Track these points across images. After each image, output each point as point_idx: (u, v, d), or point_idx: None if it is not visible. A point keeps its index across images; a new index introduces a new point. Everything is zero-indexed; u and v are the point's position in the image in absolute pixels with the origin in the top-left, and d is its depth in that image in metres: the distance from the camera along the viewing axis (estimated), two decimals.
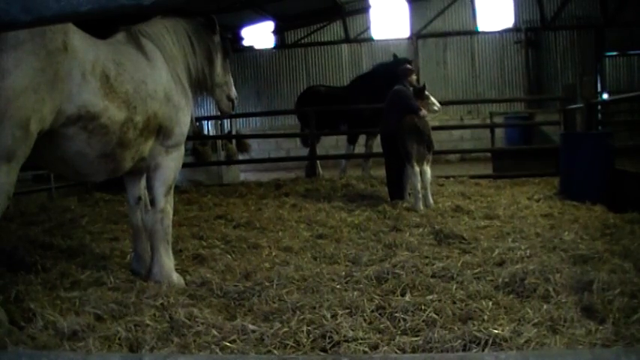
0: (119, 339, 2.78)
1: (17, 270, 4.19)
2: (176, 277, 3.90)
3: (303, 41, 18.49)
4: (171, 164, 3.96)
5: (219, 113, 5.31)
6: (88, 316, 3.11)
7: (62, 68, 3.01)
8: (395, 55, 10.45)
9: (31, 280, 3.80)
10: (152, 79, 3.70)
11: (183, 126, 3.98)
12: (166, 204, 3.97)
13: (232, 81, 4.59)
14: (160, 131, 3.81)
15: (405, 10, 18.54)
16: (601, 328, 2.71)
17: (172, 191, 4.05)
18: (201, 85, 4.27)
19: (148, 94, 3.61)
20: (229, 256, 4.53)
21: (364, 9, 18.41)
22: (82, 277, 3.92)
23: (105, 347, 2.72)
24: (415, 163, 6.63)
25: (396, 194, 7.22)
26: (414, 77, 7.45)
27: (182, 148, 4.09)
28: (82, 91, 3.14)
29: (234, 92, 4.59)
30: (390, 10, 18.55)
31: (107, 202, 8.38)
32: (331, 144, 15.51)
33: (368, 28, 18.61)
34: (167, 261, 3.94)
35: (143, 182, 4.21)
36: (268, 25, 18.15)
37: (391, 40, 18.53)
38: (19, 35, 2.77)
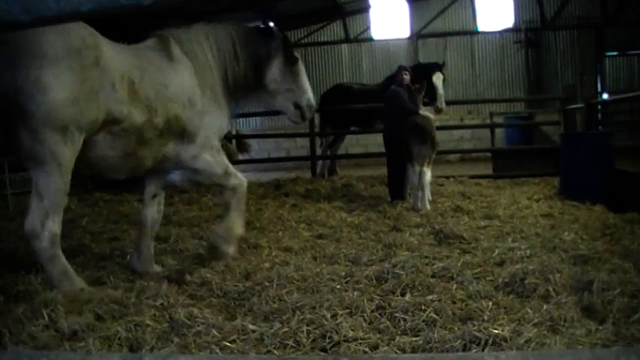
0: (119, 339, 2.78)
1: (17, 270, 4.19)
2: (232, 247, 4.19)
3: (303, 41, 18.49)
4: (206, 162, 4.08)
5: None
6: (88, 316, 3.11)
7: (96, 81, 3.28)
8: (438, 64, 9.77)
9: (31, 280, 3.80)
10: (174, 83, 3.82)
11: (210, 130, 4.06)
12: (233, 182, 4.16)
13: (305, 88, 4.46)
14: (184, 134, 3.93)
15: (405, 10, 18.55)
16: (601, 328, 2.71)
17: (233, 171, 4.20)
18: (242, 91, 4.29)
19: (168, 98, 3.75)
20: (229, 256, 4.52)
21: (364, 9, 18.40)
22: (82, 277, 3.92)
23: (105, 347, 2.71)
24: (416, 164, 6.62)
25: (396, 194, 7.22)
26: (405, 77, 7.37)
27: (216, 144, 4.14)
28: (112, 99, 3.39)
29: (305, 99, 4.47)
30: (390, 10, 18.55)
31: (107, 202, 8.39)
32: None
33: (368, 28, 18.61)
34: (234, 225, 4.21)
35: (161, 180, 4.32)
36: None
37: (391, 40, 18.54)
38: (58, 53, 3.10)
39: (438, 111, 8.98)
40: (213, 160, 4.11)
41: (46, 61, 3.07)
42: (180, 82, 3.87)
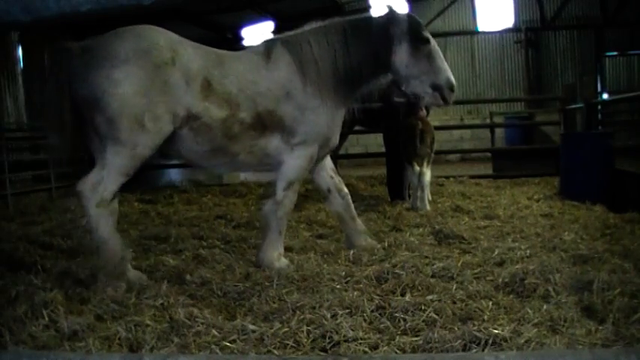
0: (119, 339, 2.78)
1: (17, 270, 4.19)
2: (279, 265, 4.06)
3: None
4: (295, 162, 4.17)
5: None
6: (88, 316, 3.11)
7: (170, 78, 3.67)
8: None
9: (31, 280, 3.80)
10: (267, 79, 4.01)
11: (311, 126, 4.12)
12: (284, 198, 4.21)
13: (441, 67, 4.22)
14: (283, 129, 4.06)
15: (404, 10, 18.52)
16: (601, 328, 2.71)
17: (295, 188, 4.27)
18: (361, 81, 4.29)
19: (257, 93, 3.96)
20: (229, 256, 4.52)
21: (364, 9, 18.38)
22: (82, 277, 3.92)
23: (105, 347, 2.71)
24: (415, 164, 6.62)
25: (396, 195, 7.22)
26: None
27: (309, 148, 4.19)
28: (187, 95, 3.73)
29: (443, 79, 4.20)
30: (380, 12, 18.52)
31: None
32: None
33: None
34: (272, 250, 4.15)
35: (323, 174, 4.61)
36: (268, 25, 18.15)
37: None
38: (128, 54, 3.59)
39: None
40: (299, 162, 4.18)
41: (118, 61, 3.57)
42: (275, 78, 4.02)
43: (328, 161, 4.74)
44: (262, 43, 4.27)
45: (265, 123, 4.02)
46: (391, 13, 4.27)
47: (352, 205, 4.70)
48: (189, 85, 3.74)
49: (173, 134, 3.81)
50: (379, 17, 4.34)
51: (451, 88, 4.24)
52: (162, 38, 3.77)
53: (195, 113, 3.78)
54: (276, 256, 4.15)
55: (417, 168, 6.60)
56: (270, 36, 4.28)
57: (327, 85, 4.14)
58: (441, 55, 4.30)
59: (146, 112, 3.60)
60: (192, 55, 3.84)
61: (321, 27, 4.32)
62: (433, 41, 4.28)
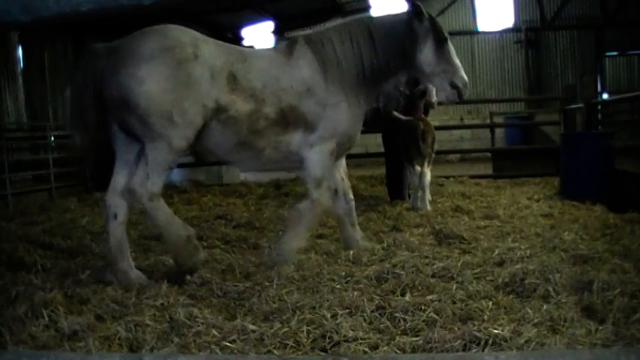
0: (119, 339, 2.78)
1: (17, 270, 4.19)
2: (290, 258, 4.10)
3: None
4: (315, 157, 4.20)
5: None
6: (88, 315, 3.11)
7: (194, 72, 3.76)
8: None
9: (31, 280, 3.80)
10: (289, 76, 4.08)
11: (331, 122, 4.17)
12: (320, 197, 4.24)
13: (458, 66, 4.34)
14: (305, 125, 4.13)
15: (404, 10, 18.53)
16: (601, 328, 2.71)
17: (326, 185, 4.27)
18: (387, 78, 4.35)
19: (280, 89, 4.03)
20: (229, 256, 4.52)
21: (364, 9, 18.39)
22: (82, 277, 3.92)
23: (105, 347, 2.72)
24: (416, 164, 6.62)
25: (395, 194, 7.21)
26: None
27: (328, 144, 4.21)
28: (214, 87, 3.83)
29: (459, 78, 4.33)
30: (390, 10, 18.53)
31: None
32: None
33: None
34: (293, 243, 4.20)
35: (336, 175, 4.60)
36: (268, 25, 18.15)
37: None
38: (153, 52, 3.68)
39: (431, 105, 8.91)
40: (319, 158, 4.20)
41: (142, 60, 3.66)
42: (297, 75, 4.09)
43: (343, 163, 4.78)
44: (284, 41, 4.35)
45: (288, 119, 4.08)
46: (417, 8, 4.26)
47: (354, 212, 4.76)
48: (215, 78, 3.83)
49: (202, 128, 3.89)
50: (403, 14, 4.36)
51: (466, 86, 4.37)
52: (185, 36, 3.87)
53: (224, 105, 3.87)
54: (295, 247, 4.21)
55: (418, 168, 6.60)
56: (293, 35, 4.41)
57: (350, 83, 4.18)
58: (455, 54, 4.39)
59: (174, 107, 3.70)
60: (215, 50, 3.93)
61: (344, 25, 4.35)
62: (449, 41, 4.39)
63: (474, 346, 2.56)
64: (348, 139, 4.39)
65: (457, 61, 4.36)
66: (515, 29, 18.39)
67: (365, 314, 3.02)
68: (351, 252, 4.34)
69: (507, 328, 2.69)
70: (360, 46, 4.21)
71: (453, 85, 4.35)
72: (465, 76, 4.37)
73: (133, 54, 3.69)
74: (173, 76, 3.71)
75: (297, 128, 4.14)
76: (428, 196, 6.69)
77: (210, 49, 3.91)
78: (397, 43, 4.26)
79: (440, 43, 4.28)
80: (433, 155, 6.83)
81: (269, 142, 4.10)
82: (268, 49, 4.39)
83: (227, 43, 4.16)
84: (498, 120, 13.46)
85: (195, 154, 4.48)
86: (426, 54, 4.26)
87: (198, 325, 2.90)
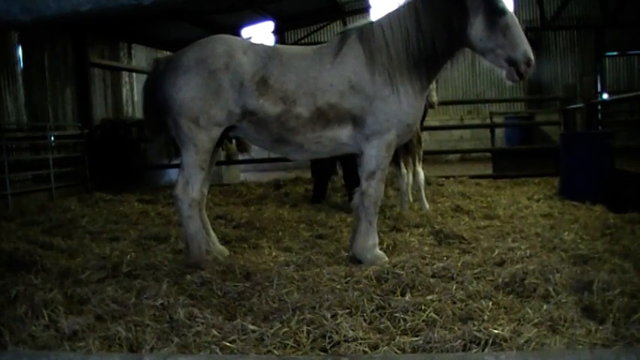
0: (119, 339, 2.78)
1: (17, 270, 4.19)
2: (373, 256, 4.14)
3: (303, 41, 18.47)
4: (371, 151, 4.18)
5: None
6: (88, 315, 3.11)
7: (224, 81, 4.07)
8: None
9: (31, 280, 3.80)
10: (330, 74, 4.10)
11: (381, 115, 4.10)
12: (368, 188, 4.21)
13: (517, 41, 3.92)
14: (353, 120, 4.15)
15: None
16: (601, 328, 2.71)
17: (378, 176, 4.22)
18: (435, 60, 4.14)
19: (317, 89, 4.09)
20: (229, 256, 4.52)
21: (364, 9, 18.40)
22: (82, 277, 3.92)
23: (105, 347, 2.72)
24: (402, 164, 6.55)
25: (318, 197, 7.68)
26: None
27: (386, 137, 4.15)
28: (242, 95, 4.09)
29: (520, 53, 3.92)
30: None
31: (107, 202, 8.38)
32: None
33: None
34: (363, 240, 4.22)
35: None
36: (268, 25, 18.15)
37: None
38: (190, 63, 4.09)
39: (431, 106, 8.91)
40: (375, 152, 4.18)
41: (182, 70, 4.10)
42: (340, 72, 4.09)
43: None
44: (338, 35, 4.35)
45: (328, 116, 4.12)
46: None
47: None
48: (244, 85, 4.07)
49: (240, 125, 4.20)
50: None
51: (528, 63, 3.96)
52: (221, 47, 4.13)
53: (251, 110, 4.10)
54: (370, 245, 4.21)
55: (404, 171, 6.53)
56: (349, 27, 4.38)
57: (401, 70, 4.08)
58: (520, 28, 4.01)
59: (201, 113, 4.06)
60: (249, 58, 4.12)
61: (396, 9, 4.21)
62: (511, 13, 4.03)
63: (474, 346, 2.56)
64: (408, 129, 4.28)
65: (519, 35, 3.94)
66: None
67: (365, 314, 3.02)
68: (351, 252, 4.33)
69: (507, 328, 2.69)
70: (409, 28, 4.06)
71: (511, 62, 3.98)
72: (530, 52, 3.93)
73: (176, 64, 4.15)
74: (205, 85, 4.05)
75: (343, 124, 4.16)
76: (423, 198, 6.59)
77: (245, 57, 4.11)
78: (444, 20, 4.03)
79: (493, 14, 3.94)
80: (421, 153, 6.76)
81: (306, 139, 4.19)
82: (316, 47, 4.39)
83: (271, 46, 4.33)
84: (498, 120, 13.45)
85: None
86: (477, 28, 3.98)
87: (198, 325, 2.90)
